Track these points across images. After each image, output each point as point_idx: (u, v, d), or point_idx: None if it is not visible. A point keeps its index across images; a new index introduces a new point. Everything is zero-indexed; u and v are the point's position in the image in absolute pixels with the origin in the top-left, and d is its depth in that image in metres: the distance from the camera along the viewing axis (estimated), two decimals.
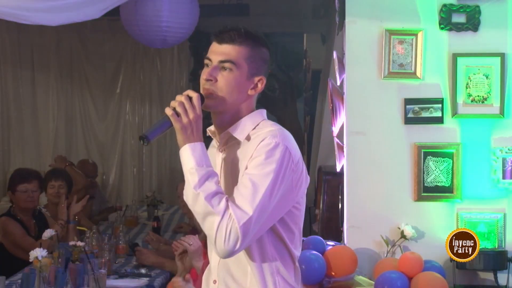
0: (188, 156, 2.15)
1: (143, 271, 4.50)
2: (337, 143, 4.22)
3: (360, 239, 3.91)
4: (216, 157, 2.29)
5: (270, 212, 2.13)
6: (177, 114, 2.16)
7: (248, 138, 2.22)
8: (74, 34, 8.35)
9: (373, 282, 3.65)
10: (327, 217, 4.82)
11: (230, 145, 2.25)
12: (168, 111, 2.17)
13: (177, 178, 8.21)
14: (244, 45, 2.22)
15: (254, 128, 2.24)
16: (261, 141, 2.15)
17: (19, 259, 4.79)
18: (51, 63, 8.52)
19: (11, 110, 8.44)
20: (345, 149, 4.00)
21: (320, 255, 3.72)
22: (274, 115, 9.44)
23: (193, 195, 2.12)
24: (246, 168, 2.15)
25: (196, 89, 2.25)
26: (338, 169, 4.25)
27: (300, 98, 9.50)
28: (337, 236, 4.36)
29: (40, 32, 8.07)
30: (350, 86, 3.98)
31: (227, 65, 2.21)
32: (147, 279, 4.38)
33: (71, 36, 8.38)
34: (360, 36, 3.96)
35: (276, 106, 9.33)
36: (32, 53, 8.47)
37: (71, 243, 4.06)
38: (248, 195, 2.10)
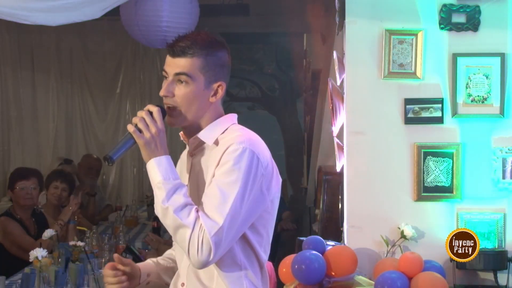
0: (155, 170, 2.16)
1: None
2: (337, 143, 4.22)
3: (360, 239, 3.91)
4: (187, 161, 2.29)
5: (241, 219, 2.11)
6: (139, 130, 2.17)
7: (216, 142, 2.21)
8: (74, 34, 8.35)
9: (373, 282, 3.65)
10: (327, 217, 4.82)
11: (200, 149, 2.25)
12: (130, 128, 2.19)
13: None
14: (196, 56, 2.19)
15: (223, 132, 2.23)
16: (228, 147, 2.14)
17: (19, 259, 4.80)
18: (51, 63, 8.52)
19: (11, 110, 8.45)
20: (345, 149, 4.00)
21: (320, 255, 3.71)
22: (274, 115, 9.45)
23: (162, 210, 2.12)
24: (214, 175, 2.14)
25: None
26: (338, 169, 4.25)
27: (300, 98, 9.51)
28: (337, 236, 4.36)
29: (40, 32, 8.08)
30: (350, 86, 3.98)
31: (182, 78, 2.20)
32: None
33: (71, 36, 8.38)
34: (360, 36, 3.96)
35: (276, 106, 9.33)
36: (32, 53, 8.47)
37: (71, 243, 4.07)
38: (218, 204, 2.09)
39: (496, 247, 3.84)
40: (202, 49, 2.20)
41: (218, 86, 2.24)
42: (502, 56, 3.88)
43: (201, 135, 2.23)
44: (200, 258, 2.07)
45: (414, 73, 3.91)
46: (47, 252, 3.84)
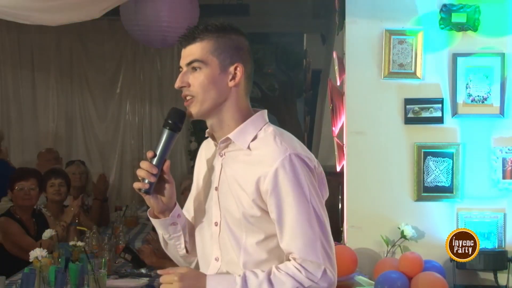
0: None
1: (143, 271, 4.50)
2: (337, 143, 4.22)
3: (360, 239, 3.91)
4: (215, 159, 2.14)
5: (328, 228, 2.02)
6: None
7: (249, 147, 2.07)
8: (74, 34, 8.35)
9: (373, 282, 3.65)
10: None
11: (231, 150, 2.10)
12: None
13: (177, 178, 8.21)
14: (207, 39, 2.07)
15: (256, 135, 2.09)
16: (275, 171, 1.99)
17: (19, 259, 4.80)
18: (51, 63, 8.52)
19: (11, 110, 8.45)
20: (345, 149, 4.00)
21: None
22: (274, 115, 9.44)
23: None
24: (257, 197, 2.00)
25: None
26: (338, 169, 4.25)
27: (300, 98, 9.50)
28: (337, 236, 4.36)
29: (40, 32, 8.07)
30: (350, 86, 3.98)
31: (195, 65, 2.07)
32: (147, 279, 4.38)
33: (71, 36, 8.37)
34: (360, 36, 3.96)
35: (276, 106, 9.32)
36: (32, 53, 8.47)
37: (71, 243, 4.06)
38: (307, 241, 1.97)
39: (496, 247, 3.84)
40: (212, 32, 2.09)
41: (235, 68, 2.09)
42: (502, 56, 3.88)
43: (233, 136, 2.08)
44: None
45: (414, 73, 3.91)
46: (47, 252, 3.83)
